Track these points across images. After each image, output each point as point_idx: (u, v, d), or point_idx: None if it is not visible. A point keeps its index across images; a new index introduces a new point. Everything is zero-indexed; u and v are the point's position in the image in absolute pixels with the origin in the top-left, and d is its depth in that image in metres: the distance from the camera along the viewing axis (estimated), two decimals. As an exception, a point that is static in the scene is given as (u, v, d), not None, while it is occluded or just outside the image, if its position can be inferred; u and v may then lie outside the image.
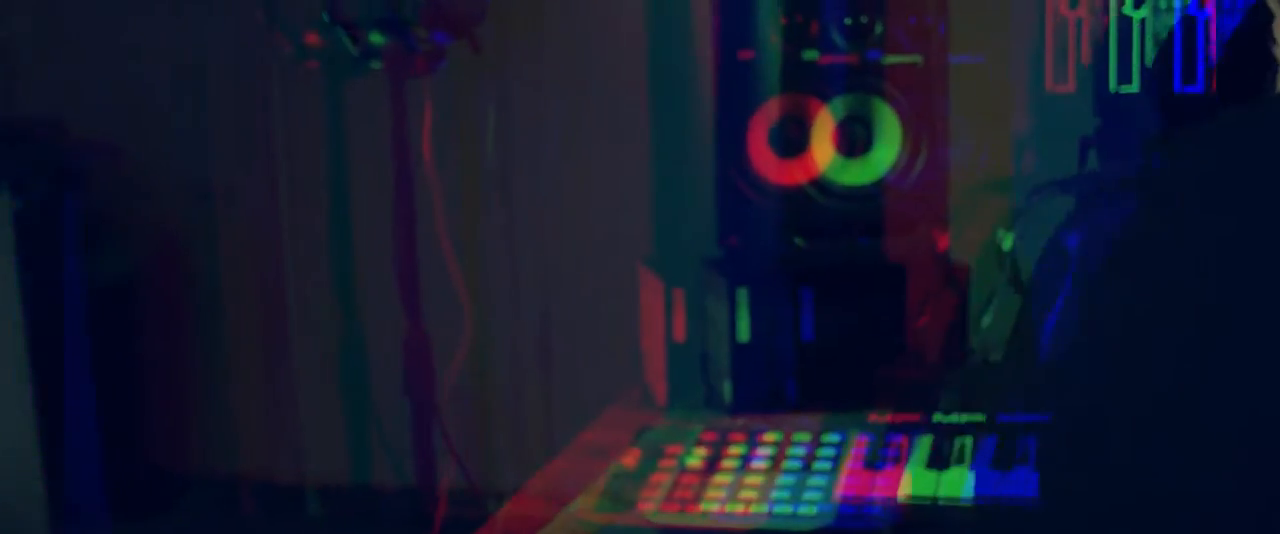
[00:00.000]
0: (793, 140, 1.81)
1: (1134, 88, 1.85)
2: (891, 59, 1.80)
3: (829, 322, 1.82)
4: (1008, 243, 1.79)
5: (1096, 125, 1.91)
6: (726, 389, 1.83)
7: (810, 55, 1.79)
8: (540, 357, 1.92)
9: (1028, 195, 1.80)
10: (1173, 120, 1.85)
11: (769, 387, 1.82)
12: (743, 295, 1.82)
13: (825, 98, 1.80)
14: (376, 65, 1.83)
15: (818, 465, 1.53)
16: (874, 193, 1.81)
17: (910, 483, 1.43)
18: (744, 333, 1.82)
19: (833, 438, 1.60)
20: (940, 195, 1.83)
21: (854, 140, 1.82)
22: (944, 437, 1.55)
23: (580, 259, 2.03)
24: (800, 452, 1.57)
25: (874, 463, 1.51)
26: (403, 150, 1.95)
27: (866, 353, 1.80)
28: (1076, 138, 1.91)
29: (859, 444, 1.57)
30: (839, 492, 1.45)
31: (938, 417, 1.58)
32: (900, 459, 1.50)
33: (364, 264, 2.08)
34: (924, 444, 1.53)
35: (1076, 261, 1.16)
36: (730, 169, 1.82)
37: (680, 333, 1.88)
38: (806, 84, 1.80)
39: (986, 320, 1.74)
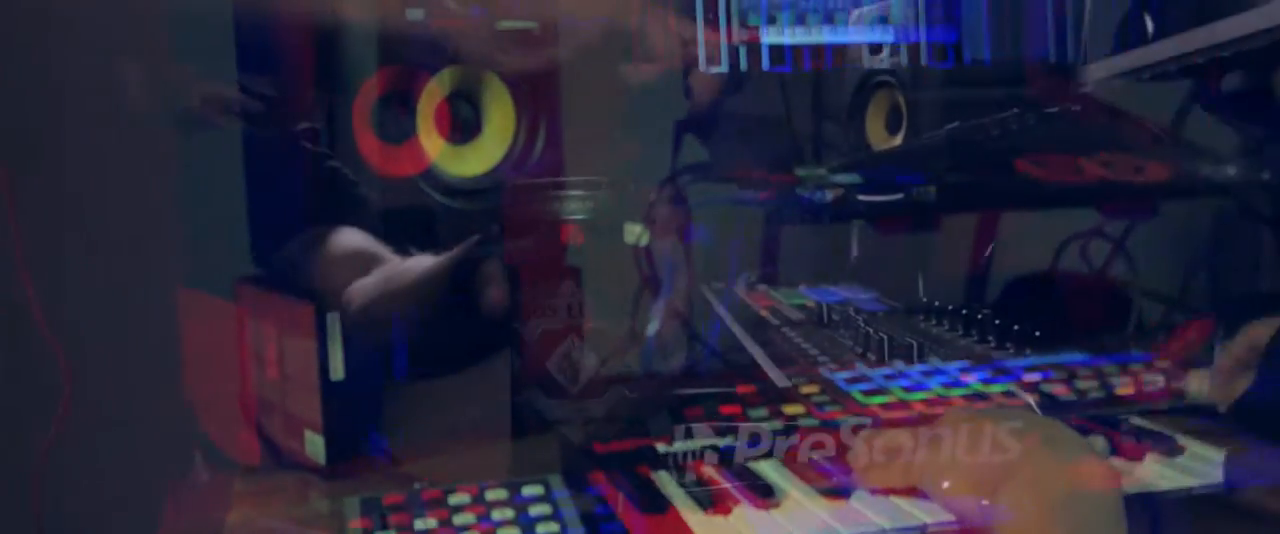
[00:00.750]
0: (397, 122, 1.44)
1: (723, 68, 1.69)
2: (505, 23, 1.49)
3: (451, 346, 1.47)
4: (644, 238, 1.55)
5: (689, 108, 1.74)
6: (314, 441, 1.43)
7: (415, 14, 1.43)
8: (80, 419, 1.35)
9: (660, 185, 1.57)
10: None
11: (372, 434, 1.45)
12: (334, 322, 1.42)
13: (433, 70, 1.45)
14: None
15: (543, 528, 1.19)
16: (488, 185, 1.49)
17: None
18: (337, 370, 1.42)
19: (536, 490, 1.26)
20: (560, 187, 1.55)
21: (463, 122, 1.49)
22: (682, 473, 1.28)
23: (105, 281, 1.48)
24: (507, 514, 1.22)
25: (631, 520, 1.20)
26: None
27: (506, 378, 1.48)
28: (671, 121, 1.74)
29: (581, 500, 1.25)
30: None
31: (662, 448, 1.30)
32: (646, 508, 1.21)
33: None
34: (671, 483, 1.25)
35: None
36: (323, 159, 1.41)
37: (274, 370, 1.43)
38: (412, 52, 1.44)
39: (652, 327, 1.48)
